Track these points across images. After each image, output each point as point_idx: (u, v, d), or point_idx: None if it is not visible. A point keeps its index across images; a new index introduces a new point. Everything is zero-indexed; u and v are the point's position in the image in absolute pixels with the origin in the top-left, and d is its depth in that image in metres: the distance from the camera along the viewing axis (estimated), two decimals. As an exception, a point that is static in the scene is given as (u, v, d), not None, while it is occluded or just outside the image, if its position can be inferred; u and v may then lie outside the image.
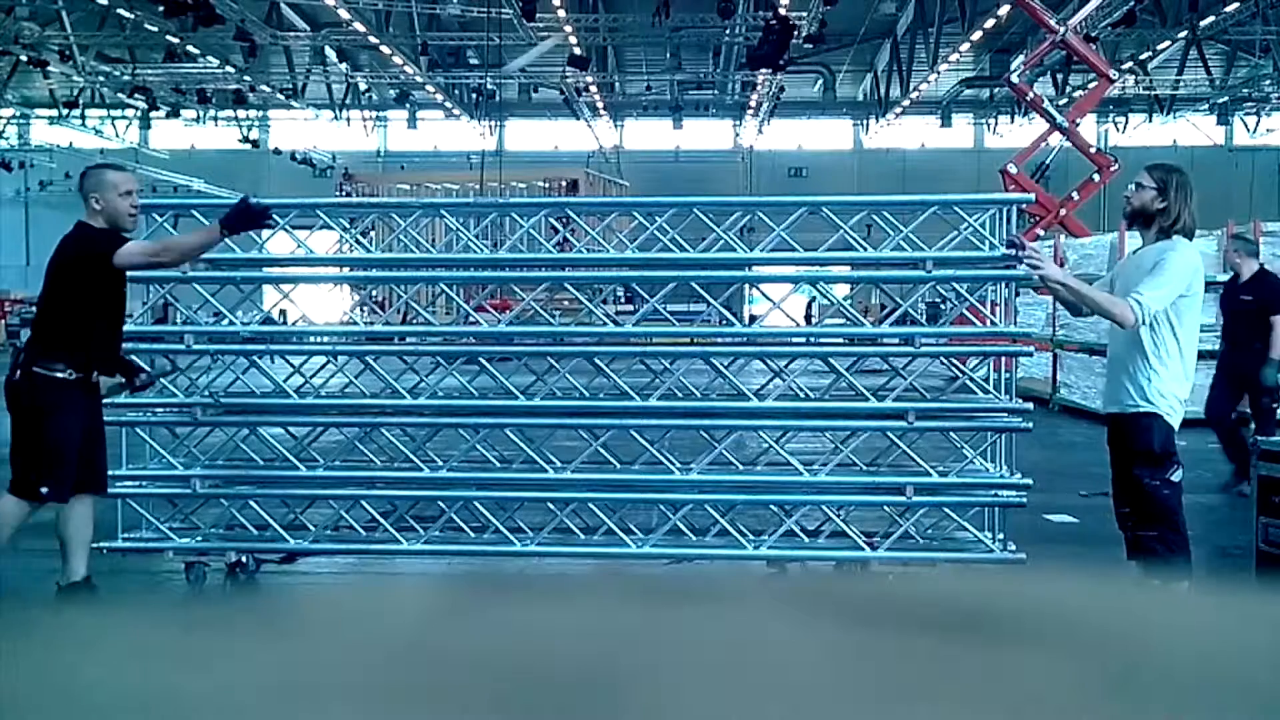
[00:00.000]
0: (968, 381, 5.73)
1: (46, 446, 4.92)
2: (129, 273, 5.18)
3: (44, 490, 4.89)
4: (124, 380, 5.44)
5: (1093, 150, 17.59)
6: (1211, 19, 28.56)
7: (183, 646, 0.87)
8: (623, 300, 18.49)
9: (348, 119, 40.70)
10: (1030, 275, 4.97)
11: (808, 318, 14.89)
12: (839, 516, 5.67)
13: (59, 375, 4.92)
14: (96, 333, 5.02)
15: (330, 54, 34.48)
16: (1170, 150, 39.10)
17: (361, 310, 6.68)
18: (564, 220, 8.01)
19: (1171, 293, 4.64)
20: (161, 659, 0.84)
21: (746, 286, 7.30)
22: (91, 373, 5.05)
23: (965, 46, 30.56)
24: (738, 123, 42.15)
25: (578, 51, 29.05)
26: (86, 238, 5.02)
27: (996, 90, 36.88)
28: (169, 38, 29.15)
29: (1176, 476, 4.83)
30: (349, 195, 27.90)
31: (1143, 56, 31.85)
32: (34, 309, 5.14)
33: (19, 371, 4.95)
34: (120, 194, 5.04)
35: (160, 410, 5.91)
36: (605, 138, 40.44)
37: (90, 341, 5.00)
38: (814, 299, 5.51)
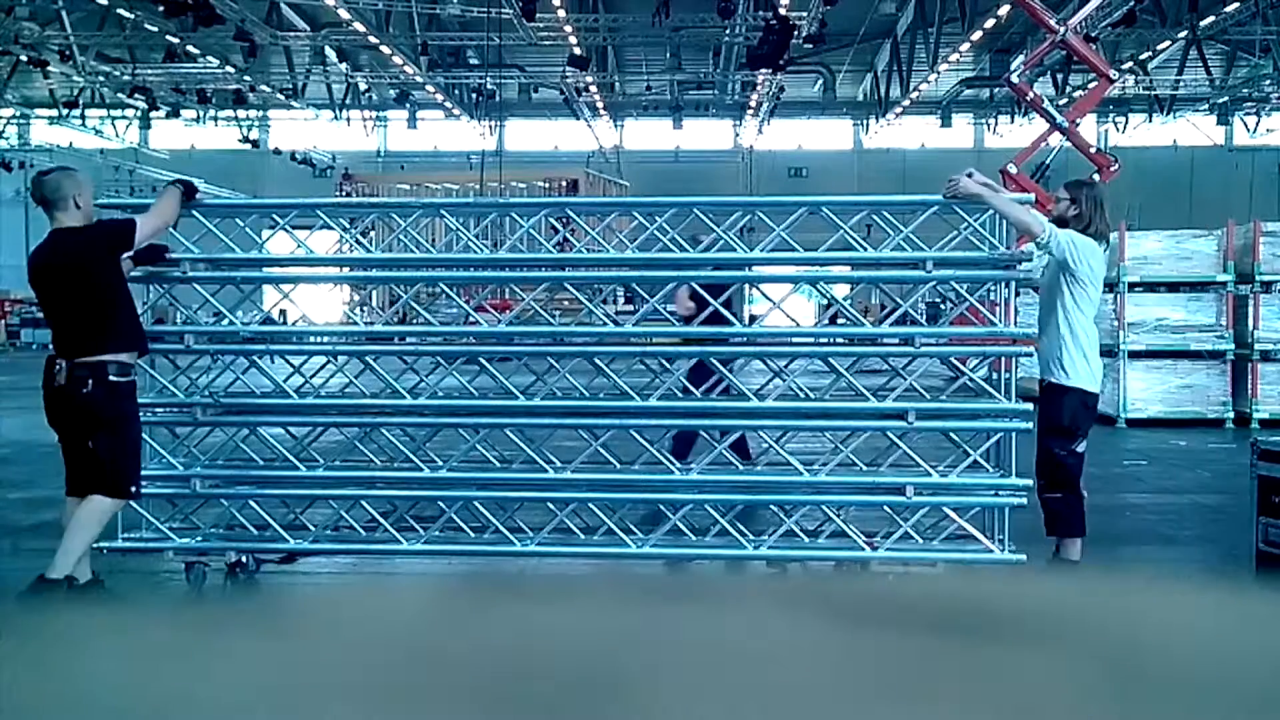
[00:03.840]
0: (968, 382, 5.73)
1: (133, 449, 5.18)
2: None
3: (133, 489, 5.19)
4: None
5: (1093, 150, 17.54)
6: (1211, 19, 28.54)
7: (183, 646, 0.87)
8: (623, 300, 18.49)
9: (348, 119, 40.69)
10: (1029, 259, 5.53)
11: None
12: (839, 516, 5.67)
13: (131, 380, 5.15)
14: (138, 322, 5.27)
15: (330, 54, 34.45)
16: (1170, 150, 39.15)
17: (362, 310, 6.68)
18: (564, 220, 8.01)
19: (1074, 243, 5.46)
20: (161, 659, 0.84)
21: (747, 286, 7.28)
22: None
23: (965, 46, 30.56)
24: (738, 123, 42.14)
25: (578, 51, 29.04)
26: (103, 232, 5.17)
27: (996, 90, 36.87)
28: (169, 38, 29.14)
29: (1081, 448, 5.57)
30: (349, 195, 27.91)
31: (1143, 56, 31.83)
32: (64, 317, 5.19)
33: (91, 382, 5.02)
34: (91, 196, 5.25)
35: (160, 410, 5.90)
36: (605, 138, 40.44)
37: (141, 331, 5.24)
38: (830, 302, 5.47)
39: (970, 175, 5.51)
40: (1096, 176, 16.44)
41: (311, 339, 6.51)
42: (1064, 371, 5.55)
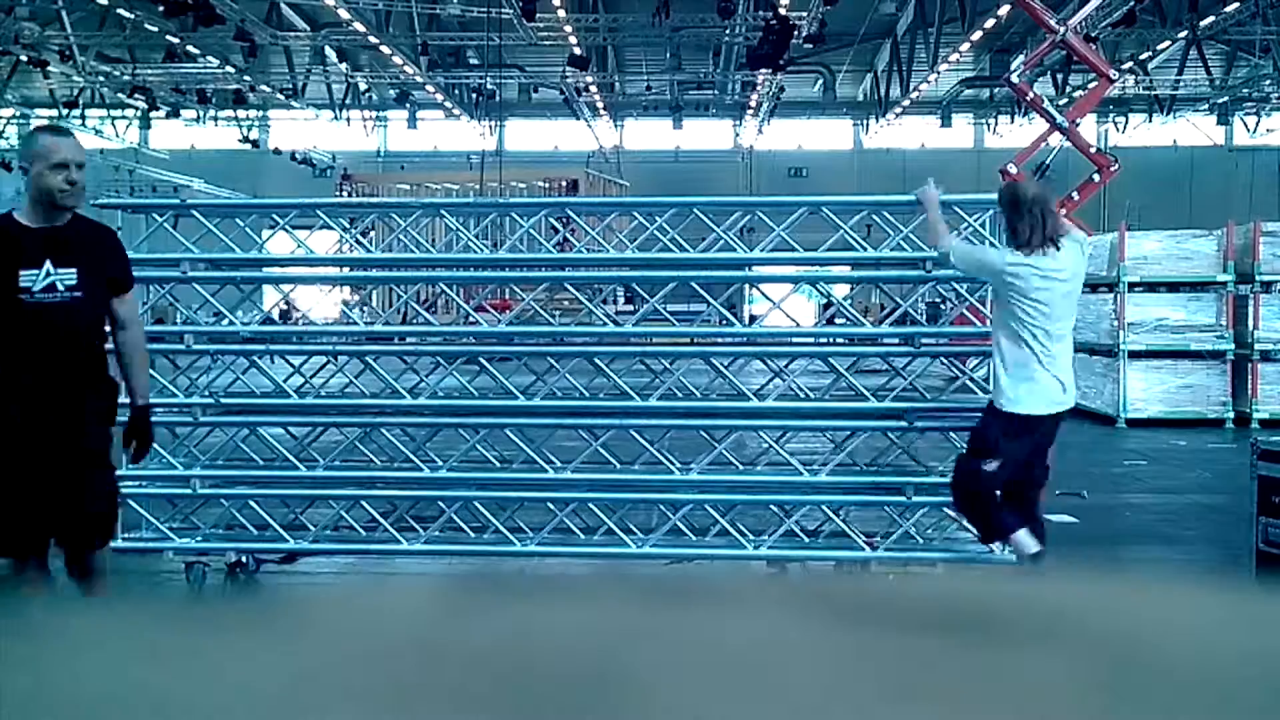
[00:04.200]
0: (968, 381, 5.73)
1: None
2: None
3: None
4: None
5: (1093, 150, 17.49)
6: (1211, 19, 28.53)
7: (183, 646, 0.87)
8: (623, 300, 18.48)
9: (348, 119, 40.67)
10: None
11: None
12: (839, 516, 5.67)
13: None
14: None
15: (330, 54, 34.45)
16: (1170, 150, 39.12)
17: (362, 310, 6.68)
18: (564, 220, 8.01)
19: (971, 257, 5.07)
20: (161, 659, 0.84)
21: (746, 286, 7.28)
22: None
23: (965, 46, 30.55)
24: (738, 123, 42.13)
25: (578, 51, 29.04)
26: None
27: (996, 90, 36.86)
28: (169, 38, 29.13)
29: (991, 468, 4.96)
30: (349, 195, 27.90)
31: (1143, 56, 31.82)
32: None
33: None
34: (50, 165, 3.79)
35: (160, 410, 5.90)
36: (605, 138, 40.43)
37: None
38: (830, 302, 5.45)
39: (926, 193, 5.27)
40: (1096, 177, 16.50)
41: (311, 339, 6.51)
42: (997, 390, 4.98)
